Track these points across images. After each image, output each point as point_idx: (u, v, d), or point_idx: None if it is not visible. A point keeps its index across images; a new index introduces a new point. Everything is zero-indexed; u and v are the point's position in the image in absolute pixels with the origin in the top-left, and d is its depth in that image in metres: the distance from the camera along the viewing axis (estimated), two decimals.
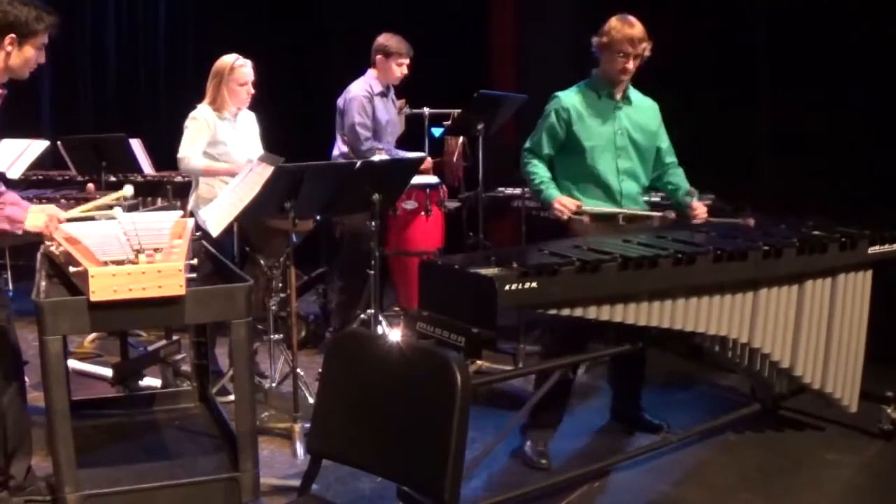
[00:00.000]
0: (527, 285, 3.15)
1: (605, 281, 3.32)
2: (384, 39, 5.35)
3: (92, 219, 3.46)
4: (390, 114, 5.49)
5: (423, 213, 5.56)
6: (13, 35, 3.07)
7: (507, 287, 3.11)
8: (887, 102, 5.20)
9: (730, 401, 4.55)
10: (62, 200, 5.20)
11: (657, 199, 4.90)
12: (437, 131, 5.93)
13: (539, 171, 4.03)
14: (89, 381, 4.79)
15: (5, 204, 3.11)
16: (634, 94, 4.13)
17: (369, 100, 5.31)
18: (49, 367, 2.94)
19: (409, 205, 5.54)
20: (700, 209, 4.07)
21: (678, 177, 4.20)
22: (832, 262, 3.86)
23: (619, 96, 4.05)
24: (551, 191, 3.97)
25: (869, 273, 4.02)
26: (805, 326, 3.87)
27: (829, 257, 3.83)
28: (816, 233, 3.91)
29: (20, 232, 3.15)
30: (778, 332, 3.81)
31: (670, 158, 4.21)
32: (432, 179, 5.65)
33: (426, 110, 5.89)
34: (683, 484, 3.73)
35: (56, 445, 2.99)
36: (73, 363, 4.84)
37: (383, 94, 5.42)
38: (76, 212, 3.42)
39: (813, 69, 5.47)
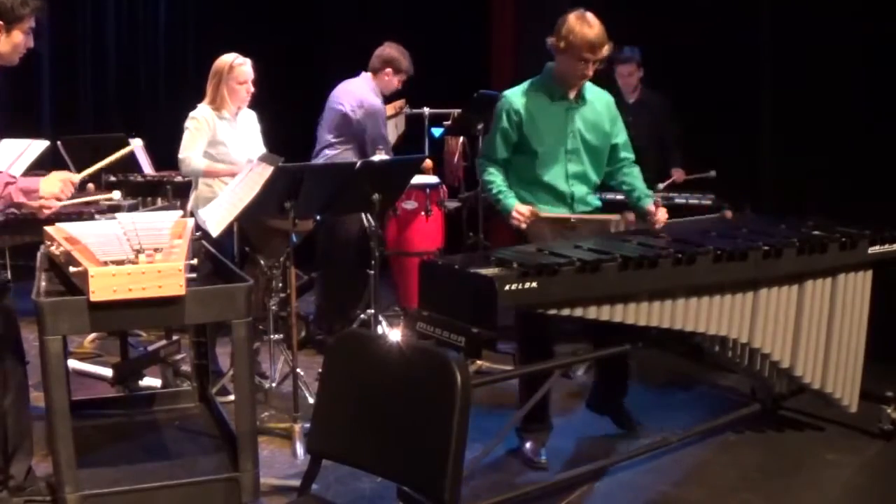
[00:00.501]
0: (527, 285, 3.15)
1: (605, 281, 3.32)
2: (396, 54, 5.30)
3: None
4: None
5: (423, 213, 5.56)
6: (0, 22, 3.11)
7: (507, 287, 3.11)
8: (888, 103, 5.20)
9: (730, 401, 4.55)
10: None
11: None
12: (437, 131, 5.93)
13: (496, 178, 3.90)
14: (89, 381, 4.78)
15: (16, 178, 3.14)
16: (589, 89, 3.96)
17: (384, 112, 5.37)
18: (49, 367, 2.94)
19: (409, 205, 5.54)
20: (661, 214, 3.97)
21: (634, 177, 4.06)
22: (832, 262, 3.86)
23: (572, 96, 3.90)
24: (509, 200, 3.85)
25: (869, 273, 4.02)
26: (805, 326, 3.86)
27: (829, 257, 3.83)
28: (816, 233, 3.91)
29: (37, 204, 3.14)
30: (778, 332, 3.81)
31: (625, 154, 4.07)
32: (432, 179, 5.65)
33: (426, 110, 5.89)
34: (683, 484, 3.73)
35: (56, 445, 2.99)
36: (73, 363, 4.83)
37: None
38: (89, 172, 3.48)
39: (814, 69, 5.48)
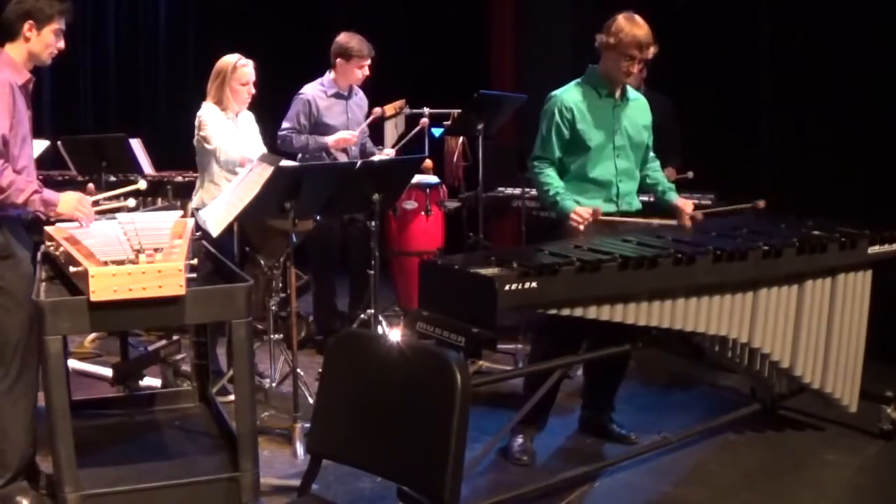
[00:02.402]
0: (527, 285, 3.15)
1: (605, 281, 3.32)
2: (344, 40, 5.25)
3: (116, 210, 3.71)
4: (351, 116, 5.39)
5: (423, 213, 5.56)
6: (31, 21, 3.32)
7: (507, 287, 3.11)
8: (888, 103, 5.20)
9: (730, 401, 4.55)
10: None
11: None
12: (437, 131, 5.93)
13: (552, 180, 3.92)
14: (89, 381, 4.78)
15: (43, 188, 3.32)
16: (630, 90, 4.10)
17: (309, 103, 5.28)
18: (49, 367, 2.95)
19: (409, 205, 5.54)
20: (689, 206, 4.05)
21: (657, 171, 4.20)
22: (832, 262, 3.86)
23: (618, 95, 4.02)
24: (567, 202, 3.86)
25: (869, 273, 4.02)
26: (805, 326, 3.86)
27: (829, 257, 3.83)
28: (816, 233, 3.91)
29: (52, 215, 3.37)
30: (778, 332, 3.81)
31: (651, 153, 4.20)
32: (432, 179, 5.65)
33: (426, 110, 5.89)
34: (683, 484, 3.73)
35: (56, 445, 2.99)
36: (73, 363, 4.83)
37: (341, 97, 5.36)
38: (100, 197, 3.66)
39: (814, 69, 5.48)
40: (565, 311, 3.30)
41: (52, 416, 2.98)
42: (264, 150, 4.73)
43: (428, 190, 5.55)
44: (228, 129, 4.62)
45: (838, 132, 5.35)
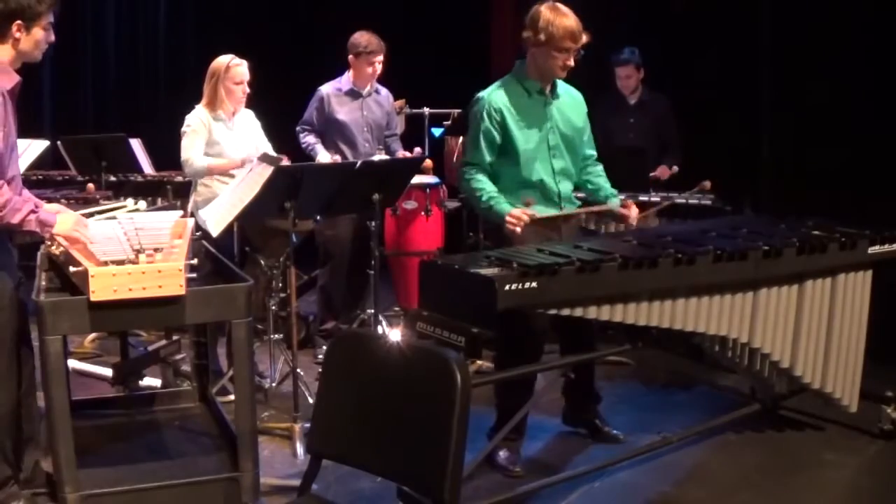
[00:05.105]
0: (527, 285, 3.15)
1: (605, 281, 3.31)
2: (355, 38, 5.29)
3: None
4: (367, 114, 5.39)
5: (423, 213, 5.56)
6: (19, 21, 3.16)
7: (507, 287, 3.11)
8: (888, 102, 5.20)
9: (730, 401, 4.55)
10: (62, 200, 5.20)
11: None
12: (437, 131, 5.93)
13: (484, 185, 3.75)
14: (89, 381, 4.78)
15: (40, 207, 3.18)
16: (560, 84, 3.88)
17: (322, 100, 5.33)
18: (49, 367, 2.95)
19: (409, 205, 5.55)
20: (633, 212, 3.92)
21: (599, 176, 4.00)
22: (832, 262, 3.86)
23: (548, 91, 3.81)
24: (503, 205, 3.69)
25: (869, 273, 4.02)
26: (805, 326, 3.86)
27: (829, 257, 3.83)
28: (816, 233, 3.91)
29: (47, 235, 3.21)
30: (778, 332, 3.80)
31: (590, 151, 4.01)
32: (432, 179, 5.65)
33: (426, 110, 5.89)
34: (683, 484, 3.73)
35: (56, 445, 3.00)
36: (73, 363, 4.83)
37: (356, 94, 5.36)
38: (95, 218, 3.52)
39: (814, 69, 5.48)
40: (565, 311, 3.30)
41: (52, 415, 2.98)
42: (268, 146, 4.75)
43: (428, 190, 5.55)
44: (219, 132, 4.64)
45: (838, 132, 5.34)
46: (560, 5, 3.71)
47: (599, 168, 4.04)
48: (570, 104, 3.91)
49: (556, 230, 3.85)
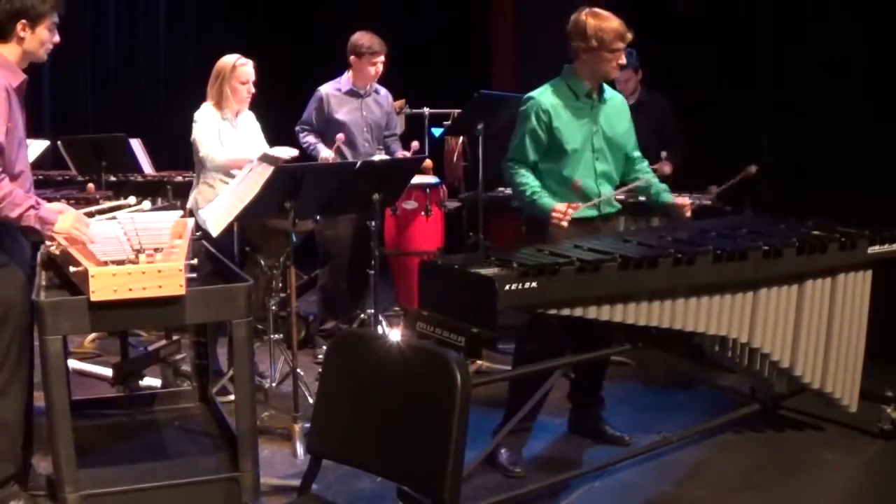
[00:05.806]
0: (527, 285, 3.15)
1: (605, 281, 3.31)
2: (355, 38, 5.28)
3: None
4: (366, 114, 5.39)
5: (423, 213, 5.56)
6: (24, 21, 3.21)
7: (507, 287, 3.11)
8: (888, 102, 5.20)
9: (730, 401, 4.55)
10: (63, 200, 5.20)
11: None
12: (437, 131, 5.93)
13: (528, 180, 3.81)
14: (89, 381, 4.79)
15: (41, 205, 3.20)
16: (606, 89, 3.96)
17: (321, 100, 5.33)
18: (49, 367, 2.95)
19: (409, 205, 5.54)
20: (684, 200, 4.00)
21: (647, 173, 4.07)
22: (832, 262, 3.86)
23: (595, 95, 3.89)
24: (546, 200, 3.75)
25: (869, 273, 4.02)
26: (805, 326, 3.86)
27: (829, 257, 3.83)
28: (816, 233, 3.91)
29: (48, 233, 3.21)
30: (778, 332, 3.81)
31: (637, 153, 4.08)
32: (432, 179, 5.66)
33: (426, 110, 5.89)
34: (683, 484, 3.73)
35: (56, 445, 2.99)
36: (73, 363, 4.83)
37: (356, 94, 5.36)
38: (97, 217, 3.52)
39: (814, 69, 5.48)
40: (565, 311, 3.30)
41: (52, 415, 2.98)
42: (267, 148, 4.75)
43: (428, 190, 5.55)
44: (225, 131, 4.64)
45: (838, 132, 5.34)
46: (598, 10, 3.80)
47: (646, 164, 4.12)
48: (615, 109, 3.98)
49: (594, 231, 3.87)
